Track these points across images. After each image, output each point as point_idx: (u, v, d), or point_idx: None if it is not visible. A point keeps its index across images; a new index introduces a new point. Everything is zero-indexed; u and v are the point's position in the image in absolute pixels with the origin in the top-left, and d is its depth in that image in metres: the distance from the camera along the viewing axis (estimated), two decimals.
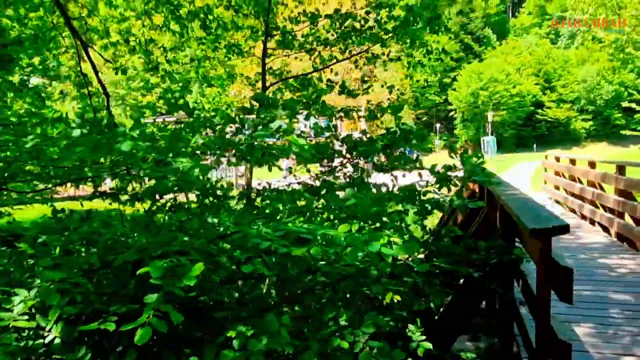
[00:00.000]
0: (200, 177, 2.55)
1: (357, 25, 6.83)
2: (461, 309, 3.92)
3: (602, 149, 45.38)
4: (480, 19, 55.60)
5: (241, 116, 3.33)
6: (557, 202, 11.00)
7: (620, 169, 7.12)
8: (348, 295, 2.64)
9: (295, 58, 7.38)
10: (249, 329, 1.91)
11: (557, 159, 11.33)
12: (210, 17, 6.69)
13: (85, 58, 6.13)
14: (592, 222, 8.38)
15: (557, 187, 11.22)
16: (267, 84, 6.63)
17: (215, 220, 2.86)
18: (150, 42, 7.18)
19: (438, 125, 51.17)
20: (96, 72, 6.39)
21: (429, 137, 53.26)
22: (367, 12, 6.93)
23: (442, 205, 3.70)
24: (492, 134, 41.94)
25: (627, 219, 6.99)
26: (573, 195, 9.67)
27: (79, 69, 6.18)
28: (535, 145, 46.48)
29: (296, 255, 2.23)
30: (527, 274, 3.32)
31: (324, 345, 2.25)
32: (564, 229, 2.23)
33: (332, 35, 7.04)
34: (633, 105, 34.69)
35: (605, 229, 7.74)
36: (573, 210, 9.72)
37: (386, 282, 2.46)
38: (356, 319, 2.35)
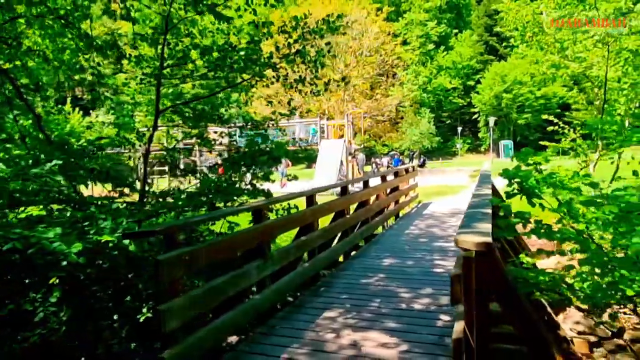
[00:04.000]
0: None
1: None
2: None
3: (633, 151, 43.64)
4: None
5: None
6: None
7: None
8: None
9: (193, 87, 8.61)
10: None
11: None
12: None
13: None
14: None
15: None
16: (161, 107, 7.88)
17: None
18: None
19: (460, 128, 50.83)
20: (20, 94, 7.75)
21: (453, 140, 53.07)
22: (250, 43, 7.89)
23: None
24: (492, 138, 41.66)
25: None
26: None
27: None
28: (561, 149, 45.27)
29: None
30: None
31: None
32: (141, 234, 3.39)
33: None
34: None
35: None
36: None
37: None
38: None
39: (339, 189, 7.61)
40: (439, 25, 54.45)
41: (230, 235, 4.20)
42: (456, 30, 55.85)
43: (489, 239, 2.43)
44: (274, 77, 8.26)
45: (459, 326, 2.67)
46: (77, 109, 24.28)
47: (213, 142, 8.04)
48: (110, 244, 3.93)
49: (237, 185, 5.59)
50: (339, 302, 5.36)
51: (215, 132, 8.70)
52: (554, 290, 4.36)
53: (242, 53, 7.77)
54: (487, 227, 2.80)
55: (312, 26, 7.95)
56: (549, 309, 5.21)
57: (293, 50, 7.75)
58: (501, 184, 7.55)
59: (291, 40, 7.42)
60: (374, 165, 31.86)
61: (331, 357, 3.93)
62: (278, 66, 7.83)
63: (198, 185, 6.52)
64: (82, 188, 5.83)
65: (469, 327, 2.71)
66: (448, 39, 55.02)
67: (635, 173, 3.68)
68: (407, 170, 12.77)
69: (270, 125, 8.82)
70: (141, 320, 3.98)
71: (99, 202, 5.06)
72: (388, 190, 10.86)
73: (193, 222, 3.75)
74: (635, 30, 9.12)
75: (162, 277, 3.31)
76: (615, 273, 3.21)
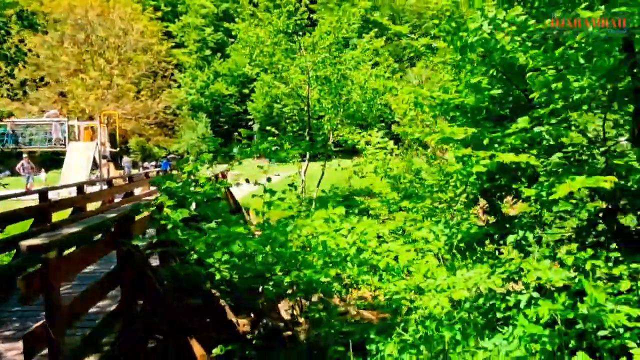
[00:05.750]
0: None
1: None
2: None
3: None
4: None
5: None
6: None
7: None
8: None
9: None
10: None
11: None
12: None
13: None
14: None
15: None
16: None
17: None
18: None
19: (236, 134, 52.79)
20: None
21: (230, 146, 54.81)
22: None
23: None
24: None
25: None
26: None
27: None
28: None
29: None
30: None
31: None
32: None
33: None
34: None
35: None
36: None
37: None
38: None
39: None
40: (216, 32, 55.46)
41: None
42: (232, 40, 57.81)
43: (37, 242, 2.80)
44: None
45: (38, 324, 2.99)
46: None
47: None
48: None
49: None
50: (8, 315, 5.18)
51: None
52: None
53: None
54: (60, 233, 3.20)
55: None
56: (221, 301, 6.04)
57: None
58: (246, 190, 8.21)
59: None
60: (141, 169, 30.58)
61: None
62: None
63: None
64: None
65: (52, 324, 3.05)
66: (225, 46, 56.47)
67: None
68: (147, 175, 12.78)
69: None
70: None
71: None
72: (122, 196, 10.72)
73: None
74: (328, 62, 11.19)
75: None
76: None
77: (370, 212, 9.40)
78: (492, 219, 5.51)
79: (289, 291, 4.05)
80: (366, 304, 6.65)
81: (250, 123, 54.43)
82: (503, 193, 4.88)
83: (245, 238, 3.47)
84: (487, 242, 4.83)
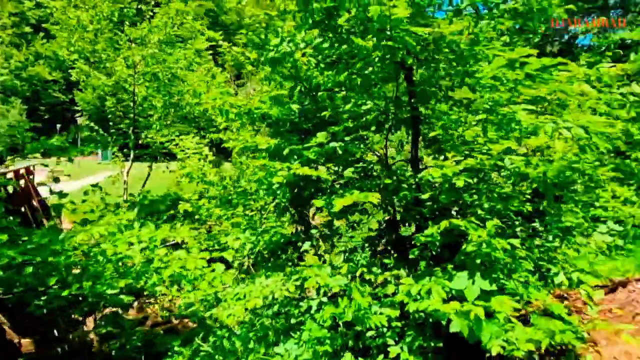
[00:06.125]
0: None
1: None
2: None
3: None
4: None
5: None
6: None
7: None
8: None
9: None
10: None
11: None
12: None
13: None
14: None
15: None
16: None
17: None
18: None
19: (59, 125, 46.98)
20: None
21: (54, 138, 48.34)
22: None
23: None
24: (79, 137, 41.43)
25: None
26: None
27: None
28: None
29: None
30: None
31: None
32: None
33: None
34: None
35: None
36: None
37: None
38: None
39: None
40: (39, 8, 48.73)
41: None
42: None
43: None
44: None
45: None
46: None
47: None
48: None
49: None
50: None
51: None
52: None
53: None
54: None
55: None
56: None
57: None
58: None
59: None
60: None
61: None
62: None
63: None
64: None
65: None
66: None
67: None
68: None
69: None
70: None
71: None
72: None
73: None
74: (161, 57, 10.61)
75: None
76: None
77: (196, 217, 9.11)
78: (301, 227, 5.77)
79: (72, 305, 3.62)
80: (175, 314, 6.39)
81: (77, 115, 48.84)
82: (306, 203, 5.12)
83: (4, 247, 2.97)
84: (290, 249, 5.02)
